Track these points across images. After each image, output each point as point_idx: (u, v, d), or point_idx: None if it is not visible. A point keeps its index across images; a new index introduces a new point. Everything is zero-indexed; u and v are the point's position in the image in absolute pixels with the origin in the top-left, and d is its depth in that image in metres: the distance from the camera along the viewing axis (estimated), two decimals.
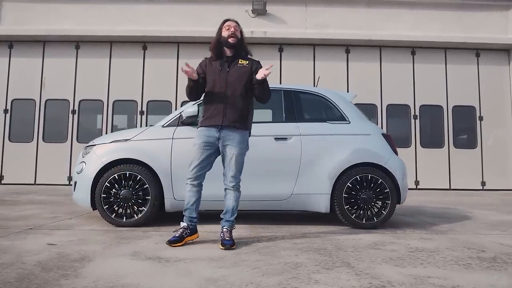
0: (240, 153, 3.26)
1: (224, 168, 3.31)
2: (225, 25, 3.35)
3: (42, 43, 10.86)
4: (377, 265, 2.63)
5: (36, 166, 10.53)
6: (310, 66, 11.01)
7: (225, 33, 3.30)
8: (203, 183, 3.31)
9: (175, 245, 3.13)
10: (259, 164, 4.13)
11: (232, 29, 3.29)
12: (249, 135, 3.40)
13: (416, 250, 3.10)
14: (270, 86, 4.74)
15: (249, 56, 3.43)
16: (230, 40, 3.28)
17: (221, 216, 3.31)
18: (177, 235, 3.20)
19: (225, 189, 3.31)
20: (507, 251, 3.11)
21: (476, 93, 11.12)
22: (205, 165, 3.27)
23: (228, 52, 3.33)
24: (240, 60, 3.34)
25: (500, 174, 10.85)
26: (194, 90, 3.35)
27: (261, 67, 3.37)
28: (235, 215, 3.30)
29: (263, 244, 3.28)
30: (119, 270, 2.43)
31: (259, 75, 3.20)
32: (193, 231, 3.30)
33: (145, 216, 4.01)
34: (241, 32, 3.38)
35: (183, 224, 3.27)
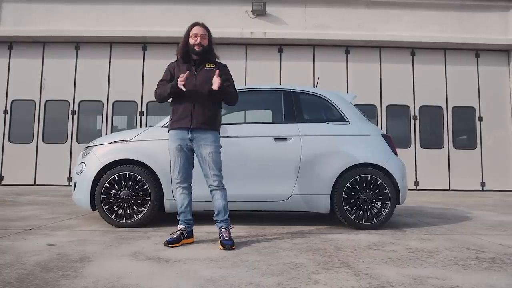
0: (216, 151, 3.30)
1: (203, 170, 3.32)
2: (191, 32, 3.34)
3: (42, 44, 10.86)
4: (377, 265, 2.64)
5: (36, 167, 10.52)
6: (310, 67, 11.02)
7: (191, 41, 3.32)
8: (192, 184, 3.36)
9: (172, 245, 3.14)
10: (259, 165, 4.14)
11: (198, 39, 3.30)
12: (219, 134, 3.43)
13: (416, 251, 3.10)
14: (270, 86, 4.77)
15: (216, 60, 3.44)
16: (196, 48, 3.30)
17: (215, 218, 3.31)
18: (174, 236, 3.22)
19: (211, 190, 3.32)
20: (506, 251, 3.12)
21: (475, 94, 11.12)
22: (188, 166, 3.33)
23: (194, 57, 3.35)
24: (207, 64, 3.36)
25: (499, 174, 10.85)
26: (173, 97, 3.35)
27: (228, 70, 3.42)
28: (228, 212, 3.32)
29: (263, 244, 3.28)
30: (119, 271, 2.43)
31: (214, 85, 3.19)
32: (190, 234, 3.33)
33: (144, 217, 4.01)
34: (209, 37, 3.38)
35: (180, 226, 3.29)
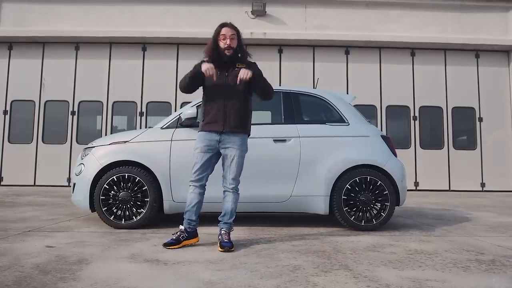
0: (241, 155, 3.28)
1: (223, 170, 3.31)
2: (221, 34, 3.26)
3: (42, 44, 10.85)
4: (376, 267, 2.63)
5: (35, 167, 10.52)
6: (310, 67, 11.01)
7: (221, 44, 3.25)
8: (205, 186, 3.31)
9: (170, 247, 3.13)
10: (258, 166, 4.12)
11: (228, 41, 3.23)
12: (248, 137, 3.41)
13: (415, 253, 3.09)
14: None
15: (247, 59, 3.38)
16: (226, 52, 3.24)
17: (220, 218, 3.31)
18: (174, 237, 3.20)
19: (224, 191, 3.31)
20: (506, 253, 3.11)
21: (475, 95, 11.12)
22: (206, 168, 3.27)
23: (225, 58, 3.28)
24: (237, 64, 3.30)
25: (499, 175, 10.84)
26: (195, 84, 3.28)
27: (258, 69, 3.34)
28: (234, 217, 3.30)
29: (262, 246, 3.28)
30: (117, 273, 2.42)
31: (240, 76, 3.16)
32: (192, 234, 3.29)
33: (143, 218, 4.00)
34: (238, 38, 3.31)
35: (181, 227, 3.26)
